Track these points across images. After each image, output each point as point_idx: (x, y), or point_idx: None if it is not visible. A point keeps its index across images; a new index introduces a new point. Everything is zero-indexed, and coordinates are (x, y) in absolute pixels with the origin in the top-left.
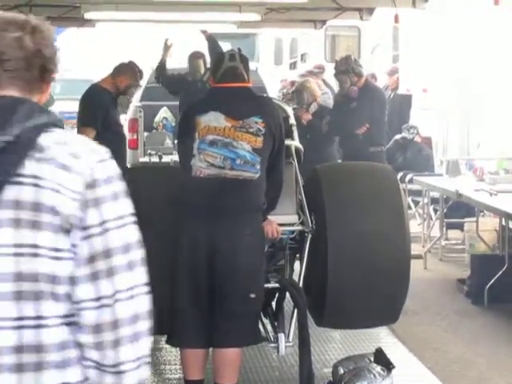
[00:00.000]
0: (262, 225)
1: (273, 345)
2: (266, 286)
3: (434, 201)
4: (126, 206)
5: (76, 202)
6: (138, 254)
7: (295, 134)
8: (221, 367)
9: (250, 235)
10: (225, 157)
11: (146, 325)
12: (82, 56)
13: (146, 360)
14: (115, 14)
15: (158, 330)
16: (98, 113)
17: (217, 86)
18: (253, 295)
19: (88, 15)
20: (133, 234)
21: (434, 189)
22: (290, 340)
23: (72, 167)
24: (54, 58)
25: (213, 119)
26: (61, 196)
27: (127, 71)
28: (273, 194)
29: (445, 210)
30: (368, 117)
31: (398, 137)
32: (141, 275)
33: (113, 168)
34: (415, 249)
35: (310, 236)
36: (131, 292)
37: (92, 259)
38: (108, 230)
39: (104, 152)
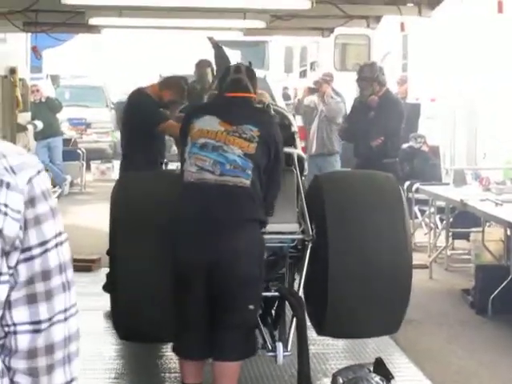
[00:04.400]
0: (260, 234)
1: (271, 354)
2: (265, 294)
3: (440, 210)
4: (60, 224)
5: (18, 223)
6: (71, 274)
7: (297, 142)
8: (220, 379)
9: (247, 245)
10: (214, 161)
11: (75, 346)
12: (92, 63)
13: (75, 382)
14: (119, 20)
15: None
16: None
17: (220, 94)
18: (251, 306)
19: (92, 21)
20: (66, 253)
21: (439, 198)
22: (289, 349)
23: (12, 184)
24: None
25: (207, 123)
26: (5, 217)
27: (174, 87)
28: (269, 199)
29: (451, 220)
30: (384, 129)
31: (405, 146)
32: (72, 296)
33: (47, 182)
34: (421, 258)
35: (310, 244)
36: (65, 314)
37: (30, 281)
38: (48, 251)
39: (38, 163)
